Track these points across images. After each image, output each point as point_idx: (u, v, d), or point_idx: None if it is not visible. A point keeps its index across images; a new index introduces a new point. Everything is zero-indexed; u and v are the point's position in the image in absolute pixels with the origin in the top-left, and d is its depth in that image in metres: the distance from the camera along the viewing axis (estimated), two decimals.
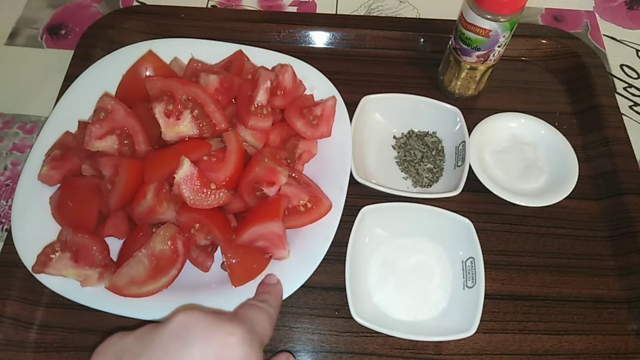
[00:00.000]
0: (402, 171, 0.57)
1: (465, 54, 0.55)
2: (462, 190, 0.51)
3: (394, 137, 0.59)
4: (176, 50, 0.57)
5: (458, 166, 0.54)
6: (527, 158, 0.57)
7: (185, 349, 0.24)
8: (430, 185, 0.56)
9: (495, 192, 0.53)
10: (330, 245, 0.47)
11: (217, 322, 0.26)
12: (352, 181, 0.51)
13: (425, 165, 0.56)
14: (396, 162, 0.57)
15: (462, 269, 0.49)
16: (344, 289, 0.46)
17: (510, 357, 0.47)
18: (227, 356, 0.25)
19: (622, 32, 0.71)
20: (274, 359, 0.36)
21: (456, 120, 0.56)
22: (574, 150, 0.56)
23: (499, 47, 0.54)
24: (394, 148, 0.58)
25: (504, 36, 0.52)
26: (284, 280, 0.46)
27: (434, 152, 0.57)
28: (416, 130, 0.59)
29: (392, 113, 0.58)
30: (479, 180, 0.53)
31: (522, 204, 0.52)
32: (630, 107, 0.64)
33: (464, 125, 0.55)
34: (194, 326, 0.25)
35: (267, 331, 0.31)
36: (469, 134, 0.55)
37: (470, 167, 0.53)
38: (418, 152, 0.57)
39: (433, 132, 0.58)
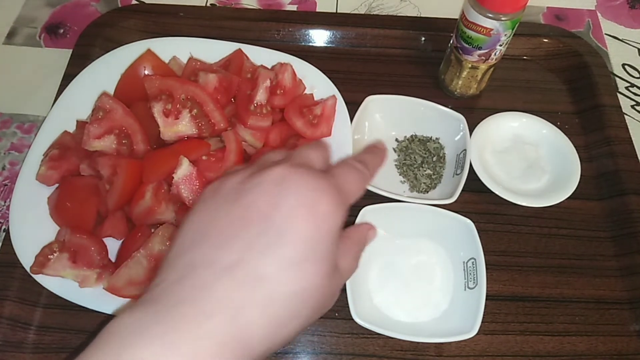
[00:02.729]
0: (400, 175, 0.56)
1: (466, 52, 0.55)
2: (463, 190, 0.51)
3: (396, 139, 0.58)
4: (175, 49, 0.57)
5: (457, 174, 0.54)
6: (529, 158, 0.56)
7: (282, 196, 0.27)
8: (427, 192, 0.55)
9: (496, 192, 0.52)
10: None
11: (311, 178, 0.28)
12: None
13: (425, 170, 0.56)
14: (395, 165, 0.57)
15: (464, 269, 0.49)
16: (344, 289, 0.45)
17: (512, 358, 0.47)
18: (318, 208, 0.27)
19: (624, 32, 0.70)
20: (353, 229, 0.35)
21: (459, 128, 0.55)
22: (576, 150, 0.55)
23: (500, 46, 0.53)
24: (395, 151, 0.58)
25: (505, 35, 0.52)
26: None
27: (434, 159, 0.56)
28: (419, 135, 0.58)
29: (395, 115, 0.58)
30: (480, 180, 0.53)
31: (524, 204, 0.52)
32: (632, 106, 0.63)
33: (467, 134, 0.55)
34: (291, 178, 0.28)
35: (354, 191, 0.32)
36: (470, 134, 0.55)
37: (471, 166, 0.53)
38: (419, 157, 0.56)
39: (436, 138, 0.58)
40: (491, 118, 0.57)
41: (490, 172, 0.54)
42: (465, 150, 0.54)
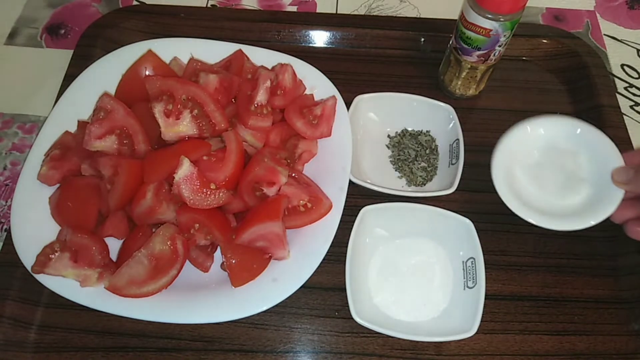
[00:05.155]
0: (396, 170, 0.57)
1: (465, 53, 0.55)
2: (463, 189, 0.51)
3: (388, 136, 0.59)
4: (176, 49, 0.57)
5: (452, 164, 0.54)
6: (566, 168, 0.51)
7: None
8: (424, 184, 0.56)
9: (532, 222, 0.48)
10: (331, 246, 0.47)
11: None
12: (351, 181, 0.51)
13: (419, 164, 0.56)
14: (390, 161, 0.57)
15: (463, 269, 0.49)
16: (344, 289, 0.46)
17: (511, 357, 0.47)
18: None
19: (623, 32, 0.71)
20: None
21: (449, 118, 0.56)
22: None
23: (499, 46, 0.54)
24: (388, 147, 0.58)
25: (504, 36, 0.52)
26: (284, 280, 0.46)
27: (427, 151, 0.57)
28: (410, 129, 0.59)
29: (385, 112, 0.58)
30: (479, 179, 0.53)
31: (564, 229, 0.48)
32: (631, 107, 0.64)
33: (458, 123, 0.55)
34: None
35: None
36: (470, 134, 0.55)
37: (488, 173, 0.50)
38: (412, 151, 0.57)
39: (427, 131, 0.58)
40: (516, 128, 0.51)
41: (524, 191, 0.50)
42: (457, 139, 0.54)
